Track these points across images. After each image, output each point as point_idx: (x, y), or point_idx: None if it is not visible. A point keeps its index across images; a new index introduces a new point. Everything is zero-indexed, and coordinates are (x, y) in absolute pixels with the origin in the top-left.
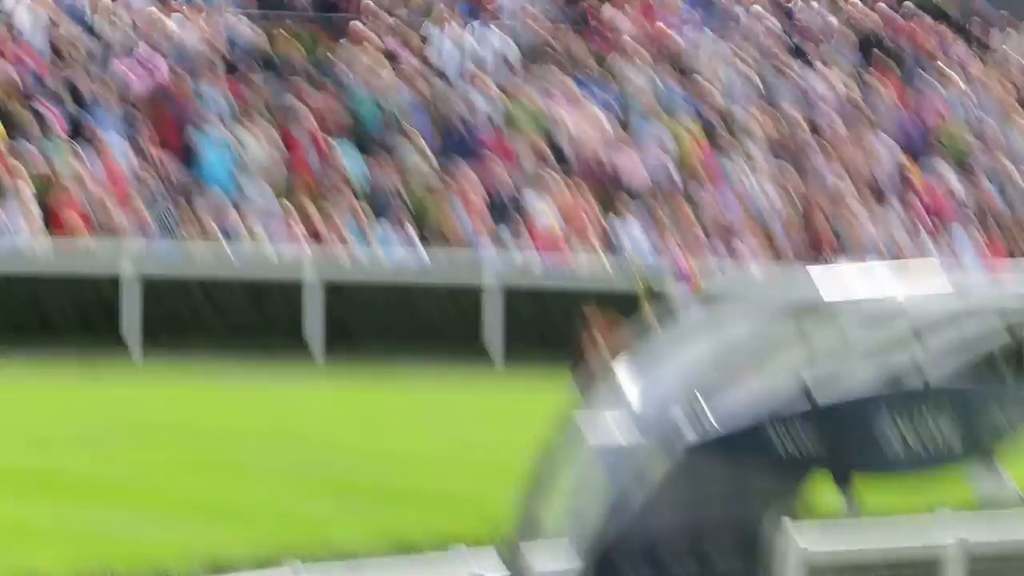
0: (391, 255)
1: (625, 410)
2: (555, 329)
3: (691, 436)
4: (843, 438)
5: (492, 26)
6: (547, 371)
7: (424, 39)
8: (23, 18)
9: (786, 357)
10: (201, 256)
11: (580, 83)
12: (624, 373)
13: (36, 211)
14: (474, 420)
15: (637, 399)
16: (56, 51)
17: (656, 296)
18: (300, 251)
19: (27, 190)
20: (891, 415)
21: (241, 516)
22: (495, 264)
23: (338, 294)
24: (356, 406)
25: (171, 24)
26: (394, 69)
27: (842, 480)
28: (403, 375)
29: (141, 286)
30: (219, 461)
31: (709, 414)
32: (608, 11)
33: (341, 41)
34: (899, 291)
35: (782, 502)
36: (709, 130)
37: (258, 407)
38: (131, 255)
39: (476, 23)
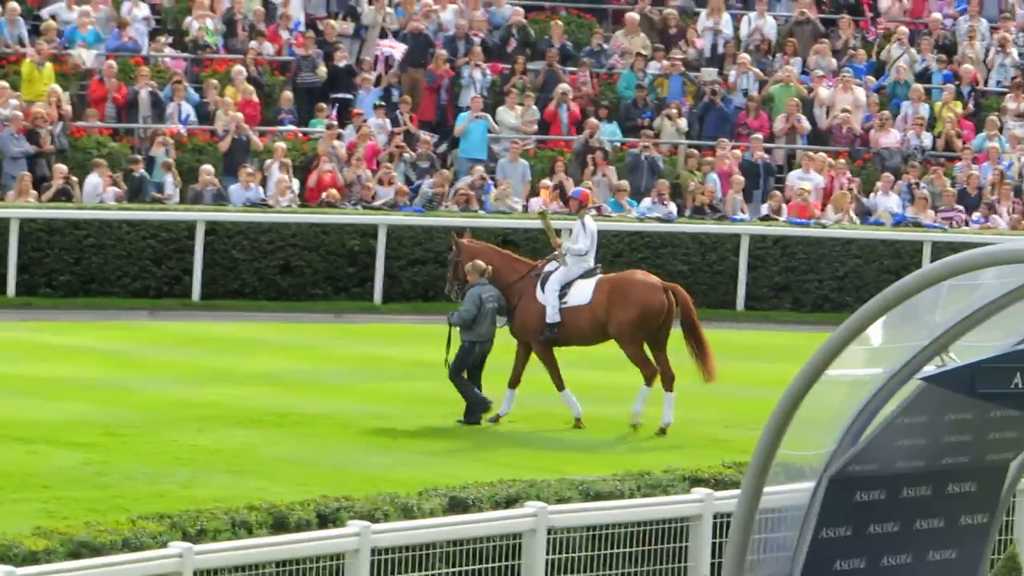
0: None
1: (866, 344)
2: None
3: (932, 370)
4: None
5: (758, 11)
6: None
7: (688, 25)
8: None
9: None
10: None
11: (843, 63)
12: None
13: (294, 183)
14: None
15: (880, 334)
16: (317, 30)
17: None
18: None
19: (285, 162)
20: None
21: (476, 451)
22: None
23: None
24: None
25: (432, 3)
26: (656, 51)
27: None
28: None
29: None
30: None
31: (952, 352)
32: (884, 1)
33: (603, 24)
34: None
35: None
36: (968, 107)
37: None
38: (383, 222)
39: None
